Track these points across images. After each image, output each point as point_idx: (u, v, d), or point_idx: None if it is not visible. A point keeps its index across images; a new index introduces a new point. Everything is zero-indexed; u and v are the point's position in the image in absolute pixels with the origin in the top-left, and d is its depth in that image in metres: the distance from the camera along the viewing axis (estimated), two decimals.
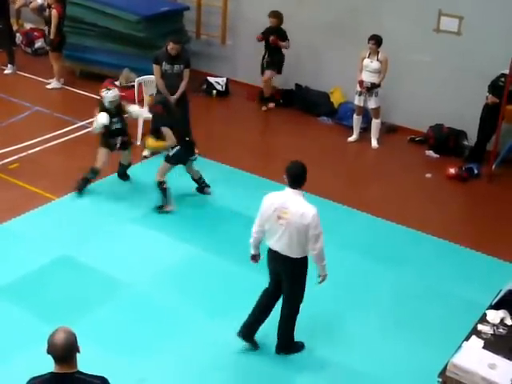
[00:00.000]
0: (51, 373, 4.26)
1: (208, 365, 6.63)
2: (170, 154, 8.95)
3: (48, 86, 13.12)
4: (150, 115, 10.76)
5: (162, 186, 9.00)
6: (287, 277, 6.53)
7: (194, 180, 9.54)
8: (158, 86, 10.43)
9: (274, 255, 6.46)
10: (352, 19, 12.05)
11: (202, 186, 9.60)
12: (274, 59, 12.33)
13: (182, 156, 9.07)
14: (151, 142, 9.21)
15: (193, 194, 9.60)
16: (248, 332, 6.77)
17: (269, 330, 6.82)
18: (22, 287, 7.53)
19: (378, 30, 11.06)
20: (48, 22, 12.75)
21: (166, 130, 8.86)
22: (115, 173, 9.79)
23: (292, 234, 6.24)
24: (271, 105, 12.83)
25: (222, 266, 8.10)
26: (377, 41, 10.87)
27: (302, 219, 6.16)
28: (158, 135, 8.98)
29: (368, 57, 11.04)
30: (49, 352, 4.21)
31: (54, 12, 12.51)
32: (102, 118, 9.14)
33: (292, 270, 6.46)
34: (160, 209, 9.09)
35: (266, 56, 12.38)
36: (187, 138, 9.16)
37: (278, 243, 6.36)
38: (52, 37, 12.73)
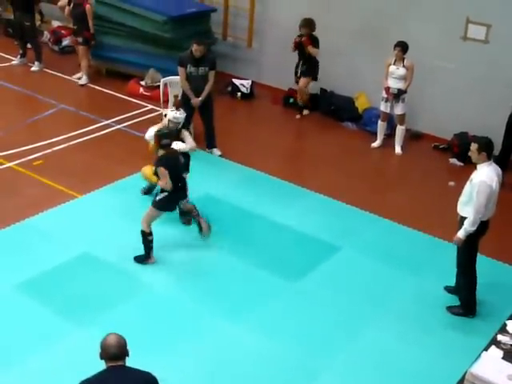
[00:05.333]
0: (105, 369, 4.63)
1: (227, 366, 6.63)
2: (157, 198, 8.05)
3: (80, 82, 13.22)
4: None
5: (146, 236, 8.05)
6: None
7: (182, 212, 8.76)
8: (183, 88, 10.47)
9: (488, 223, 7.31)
10: (379, 25, 12.02)
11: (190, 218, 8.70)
12: (309, 67, 12.19)
13: (167, 204, 8.10)
14: (148, 171, 8.87)
15: (213, 194, 9.61)
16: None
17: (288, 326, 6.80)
18: (43, 283, 7.58)
19: (404, 36, 11.02)
20: (76, 19, 12.90)
21: (162, 171, 7.84)
22: (137, 172, 9.83)
23: None
24: (306, 112, 12.74)
25: (243, 268, 8.11)
26: (403, 48, 10.84)
27: None
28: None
29: (393, 63, 11.01)
30: (103, 355, 4.62)
31: (88, 7, 12.75)
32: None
33: None
34: (140, 260, 8.13)
35: (301, 64, 12.23)
36: (179, 184, 8.09)
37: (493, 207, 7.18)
38: (92, 31, 12.95)
